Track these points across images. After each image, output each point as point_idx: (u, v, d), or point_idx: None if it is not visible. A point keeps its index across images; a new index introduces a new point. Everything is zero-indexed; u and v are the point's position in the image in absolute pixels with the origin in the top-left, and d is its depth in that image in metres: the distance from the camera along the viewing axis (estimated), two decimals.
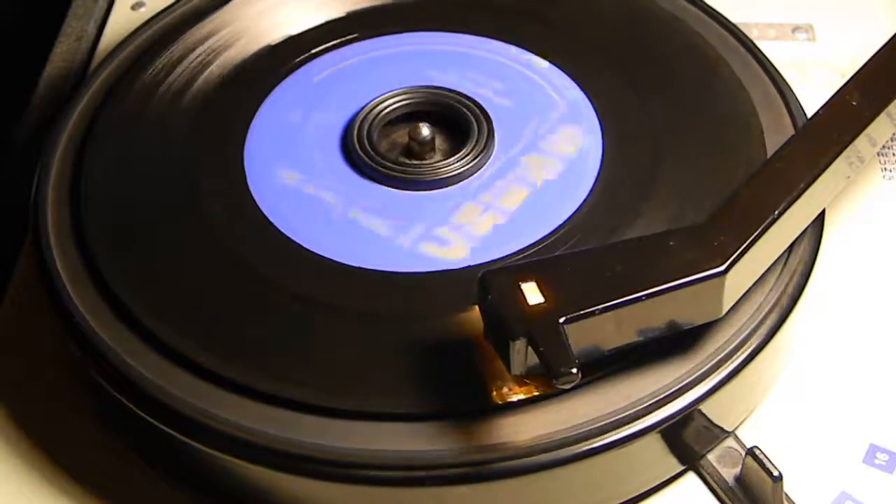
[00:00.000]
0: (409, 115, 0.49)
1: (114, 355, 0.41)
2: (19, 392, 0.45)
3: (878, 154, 0.51)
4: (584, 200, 0.45)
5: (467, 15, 0.53)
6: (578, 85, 0.49)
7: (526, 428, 0.38)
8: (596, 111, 0.48)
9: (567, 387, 0.36)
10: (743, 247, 0.39)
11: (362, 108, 0.48)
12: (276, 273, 0.43)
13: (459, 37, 0.52)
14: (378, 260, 0.43)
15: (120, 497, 0.42)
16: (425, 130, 0.47)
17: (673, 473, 0.41)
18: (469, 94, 0.49)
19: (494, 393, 0.39)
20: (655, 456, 0.40)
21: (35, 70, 0.58)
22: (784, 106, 0.48)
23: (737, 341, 0.41)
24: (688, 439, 0.40)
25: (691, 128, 0.47)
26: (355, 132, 0.47)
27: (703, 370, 0.40)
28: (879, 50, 0.45)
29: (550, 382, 0.35)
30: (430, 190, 0.46)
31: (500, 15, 0.52)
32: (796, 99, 0.48)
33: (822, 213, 0.44)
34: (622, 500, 0.41)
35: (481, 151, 0.47)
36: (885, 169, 0.51)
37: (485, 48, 0.51)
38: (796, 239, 0.42)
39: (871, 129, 0.43)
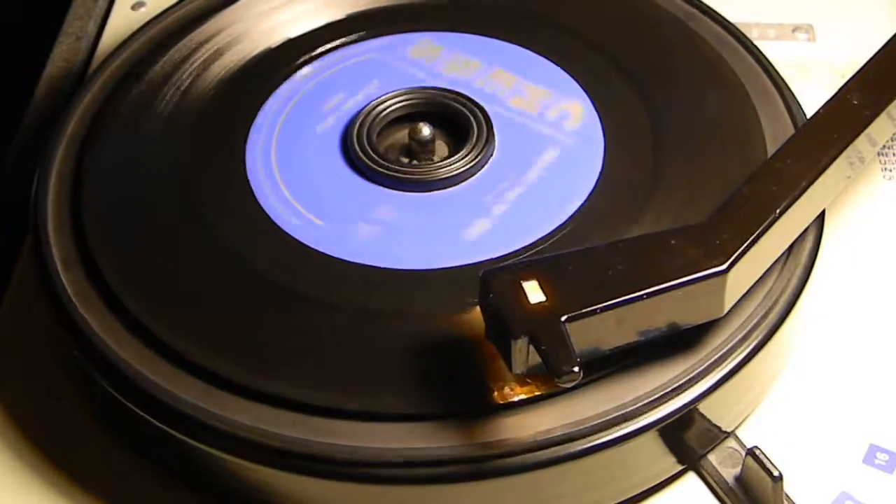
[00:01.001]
0: (410, 116, 0.49)
1: (113, 355, 0.41)
2: (19, 392, 0.45)
3: (878, 154, 0.51)
4: (586, 200, 0.45)
5: (467, 16, 0.53)
6: (579, 84, 0.49)
7: (526, 426, 0.38)
8: (597, 111, 0.48)
9: (569, 385, 0.36)
10: (744, 246, 0.39)
11: (362, 108, 0.48)
12: (278, 272, 0.43)
13: (460, 37, 0.52)
14: (379, 259, 0.43)
15: (120, 497, 0.42)
16: (426, 130, 0.47)
17: (673, 473, 0.41)
18: (469, 95, 0.49)
19: (496, 392, 0.39)
20: (655, 455, 0.40)
21: (35, 70, 0.58)
22: (784, 106, 0.48)
23: (736, 340, 0.41)
24: (687, 439, 0.40)
25: (692, 128, 0.47)
26: (355, 133, 0.47)
27: (702, 368, 0.40)
28: (879, 50, 0.45)
29: (552, 381, 0.35)
30: (431, 190, 0.46)
31: (501, 15, 0.52)
32: (796, 99, 0.48)
33: (823, 213, 0.44)
34: (622, 499, 0.41)
35: (481, 151, 0.47)
36: (885, 169, 0.51)
37: (486, 48, 0.51)
38: (796, 238, 0.42)
39: (871, 129, 0.43)
